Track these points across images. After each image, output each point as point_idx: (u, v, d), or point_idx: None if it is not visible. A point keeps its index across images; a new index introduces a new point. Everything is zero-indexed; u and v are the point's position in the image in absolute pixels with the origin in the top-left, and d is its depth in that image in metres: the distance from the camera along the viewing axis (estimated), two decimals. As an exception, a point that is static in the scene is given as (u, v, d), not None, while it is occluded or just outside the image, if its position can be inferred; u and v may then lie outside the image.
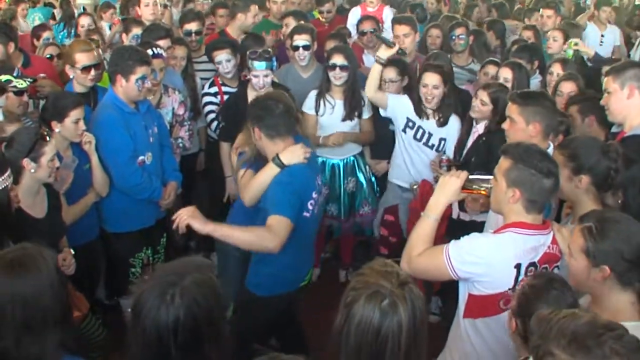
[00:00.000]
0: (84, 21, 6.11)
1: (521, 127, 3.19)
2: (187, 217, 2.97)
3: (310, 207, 3.21)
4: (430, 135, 4.34)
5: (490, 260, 2.45)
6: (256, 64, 4.12)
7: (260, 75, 4.14)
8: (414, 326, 1.77)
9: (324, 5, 6.63)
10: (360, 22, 5.67)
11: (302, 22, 5.25)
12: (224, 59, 4.61)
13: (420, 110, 4.29)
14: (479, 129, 4.05)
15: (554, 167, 2.48)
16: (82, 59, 4.03)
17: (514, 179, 2.47)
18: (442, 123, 4.29)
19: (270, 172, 3.15)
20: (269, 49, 4.40)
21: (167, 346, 1.76)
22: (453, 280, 2.56)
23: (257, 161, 3.31)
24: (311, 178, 3.26)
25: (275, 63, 4.33)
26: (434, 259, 2.55)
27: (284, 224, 2.99)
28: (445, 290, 4.27)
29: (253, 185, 3.22)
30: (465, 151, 4.13)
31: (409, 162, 4.43)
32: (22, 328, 1.96)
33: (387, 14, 6.37)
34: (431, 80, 4.18)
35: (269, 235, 2.97)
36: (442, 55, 4.92)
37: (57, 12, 7.71)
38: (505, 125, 3.31)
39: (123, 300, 4.02)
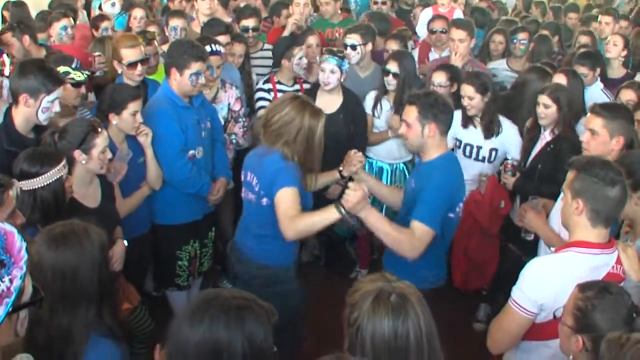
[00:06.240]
0: (137, 13, 5.67)
1: (603, 141, 3.11)
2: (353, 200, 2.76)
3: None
4: (479, 148, 4.27)
5: (553, 284, 2.37)
6: (326, 57, 4.18)
7: (327, 70, 4.17)
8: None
9: None
10: (431, 20, 5.69)
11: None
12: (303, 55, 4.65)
13: (468, 119, 4.25)
14: (546, 135, 3.97)
15: (617, 176, 2.38)
16: (128, 55, 4.02)
17: (577, 189, 2.40)
18: (489, 134, 4.21)
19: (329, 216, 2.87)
20: (343, 50, 4.49)
21: None
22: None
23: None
24: None
25: (346, 65, 4.29)
26: (506, 320, 2.46)
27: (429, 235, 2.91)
28: (493, 297, 4.19)
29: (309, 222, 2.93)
30: (531, 158, 4.04)
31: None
32: (58, 299, 2.04)
33: (458, 15, 6.32)
34: (466, 92, 4.18)
35: (416, 243, 2.86)
36: (482, 75, 4.54)
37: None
38: (584, 138, 3.21)
39: (170, 292, 4.05)
